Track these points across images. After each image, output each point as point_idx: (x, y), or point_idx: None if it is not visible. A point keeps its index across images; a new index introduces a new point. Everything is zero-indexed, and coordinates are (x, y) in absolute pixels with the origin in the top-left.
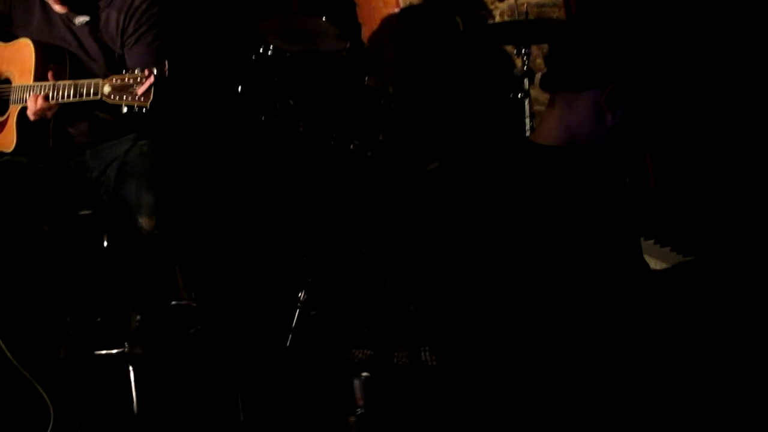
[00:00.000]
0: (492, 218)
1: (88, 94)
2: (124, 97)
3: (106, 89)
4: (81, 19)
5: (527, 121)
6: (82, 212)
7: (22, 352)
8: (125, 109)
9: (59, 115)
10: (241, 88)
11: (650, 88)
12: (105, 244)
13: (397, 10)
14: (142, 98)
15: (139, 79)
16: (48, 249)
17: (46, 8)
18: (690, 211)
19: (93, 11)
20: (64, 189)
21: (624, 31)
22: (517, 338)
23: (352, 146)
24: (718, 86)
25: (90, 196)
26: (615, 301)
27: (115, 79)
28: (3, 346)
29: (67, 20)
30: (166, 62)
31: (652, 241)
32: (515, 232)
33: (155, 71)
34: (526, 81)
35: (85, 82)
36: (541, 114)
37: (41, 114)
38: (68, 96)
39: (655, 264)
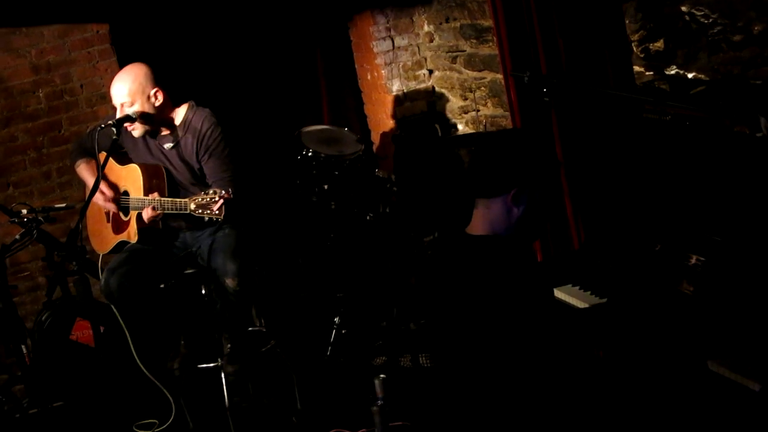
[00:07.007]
0: (449, 284)
1: (180, 209)
2: (206, 211)
3: (192, 206)
4: (168, 145)
5: None
6: (188, 271)
7: (151, 364)
8: (206, 219)
9: (165, 214)
10: (299, 181)
11: (540, 188)
12: (203, 292)
13: (394, 121)
14: (217, 212)
15: (215, 198)
16: (168, 297)
17: (146, 139)
18: (603, 266)
19: (175, 138)
20: (174, 259)
21: (519, 154)
22: (478, 355)
23: (368, 217)
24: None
25: (192, 262)
26: (533, 332)
27: (199, 198)
28: (138, 360)
29: (159, 146)
30: (231, 189)
31: (578, 288)
32: (463, 295)
33: (224, 193)
34: None
35: (178, 200)
36: None
37: (151, 219)
38: (168, 209)
39: (579, 304)
